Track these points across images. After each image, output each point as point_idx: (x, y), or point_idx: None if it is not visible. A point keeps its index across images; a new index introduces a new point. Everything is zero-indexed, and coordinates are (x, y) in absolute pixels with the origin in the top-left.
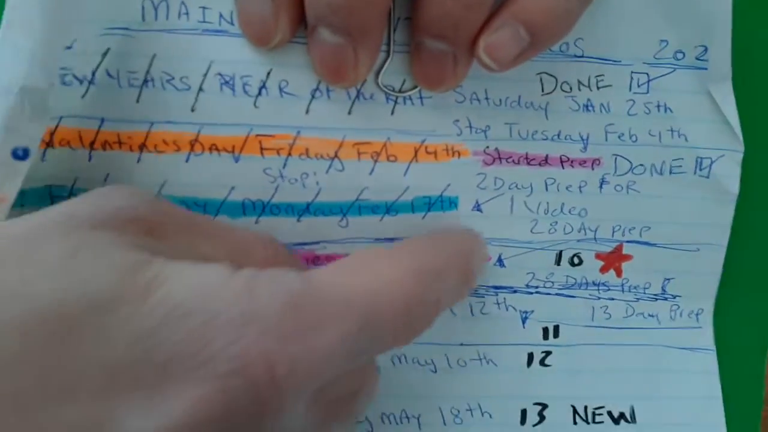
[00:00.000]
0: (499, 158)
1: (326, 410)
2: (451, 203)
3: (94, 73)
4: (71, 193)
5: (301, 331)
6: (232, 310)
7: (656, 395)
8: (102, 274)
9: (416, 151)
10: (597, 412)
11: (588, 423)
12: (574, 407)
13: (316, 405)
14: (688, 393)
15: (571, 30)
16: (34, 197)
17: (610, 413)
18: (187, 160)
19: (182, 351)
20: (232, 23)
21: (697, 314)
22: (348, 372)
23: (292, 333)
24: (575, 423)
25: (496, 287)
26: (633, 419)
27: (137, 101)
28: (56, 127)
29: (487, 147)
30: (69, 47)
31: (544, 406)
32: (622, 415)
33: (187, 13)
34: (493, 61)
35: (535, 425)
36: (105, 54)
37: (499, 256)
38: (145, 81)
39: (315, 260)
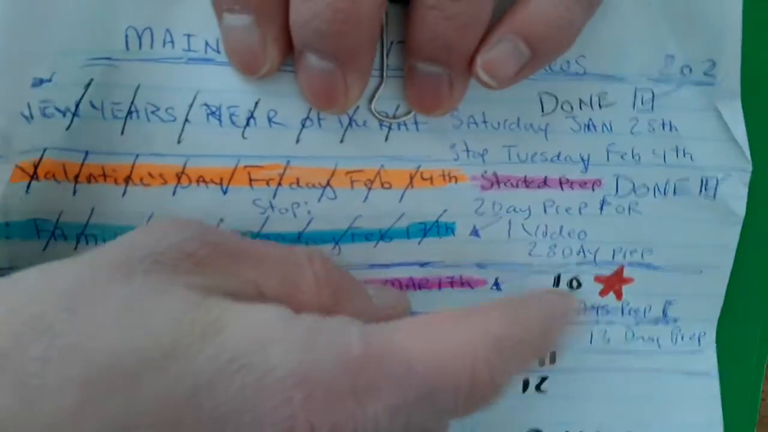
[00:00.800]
0: (498, 182)
1: None
2: (448, 229)
3: (77, 105)
4: (56, 227)
5: (352, 395)
6: (286, 365)
7: (655, 421)
8: (157, 325)
9: (411, 178)
10: None
11: None
12: None
13: None
14: (688, 419)
15: (573, 43)
16: (20, 230)
17: None
18: (173, 193)
19: (234, 408)
20: (218, 51)
21: (699, 337)
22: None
23: (342, 397)
24: None
25: None
26: None
27: (122, 133)
28: (40, 159)
29: (485, 171)
30: (48, 80)
31: None
32: None
33: (172, 42)
34: (492, 79)
35: None
36: (88, 85)
37: (496, 280)
38: (130, 112)
39: None
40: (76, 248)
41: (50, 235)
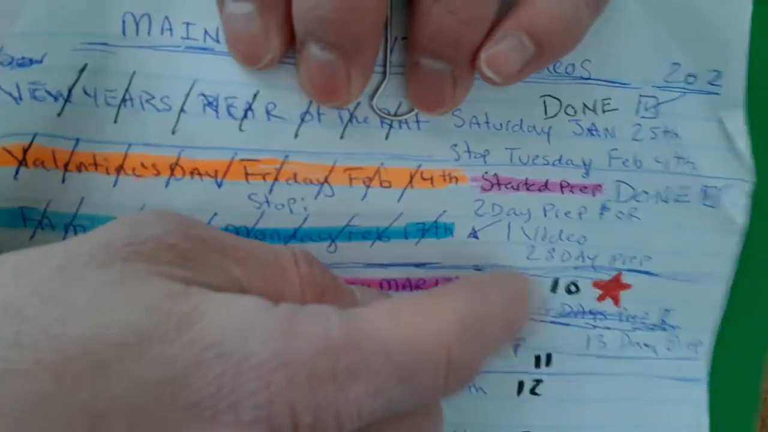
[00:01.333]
0: (498, 184)
1: None
2: (447, 230)
3: (70, 91)
4: (44, 216)
5: (333, 380)
6: (265, 352)
7: (645, 425)
8: (134, 311)
9: (411, 177)
10: None
11: None
12: None
13: None
14: (677, 423)
15: (579, 42)
16: (6, 218)
17: None
18: (166, 185)
19: (210, 394)
20: (217, 41)
21: (696, 346)
22: (401, 414)
23: (323, 381)
24: None
25: None
26: None
27: (115, 121)
28: (30, 145)
29: (486, 172)
30: (39, 61)
31: None
32: None
33: (170, 29)
34: (495, 74)
35: None
36: (82, 70)
37: None
38: (124, 100)
39: None
40: (64, 238)
41: (37, 225)
